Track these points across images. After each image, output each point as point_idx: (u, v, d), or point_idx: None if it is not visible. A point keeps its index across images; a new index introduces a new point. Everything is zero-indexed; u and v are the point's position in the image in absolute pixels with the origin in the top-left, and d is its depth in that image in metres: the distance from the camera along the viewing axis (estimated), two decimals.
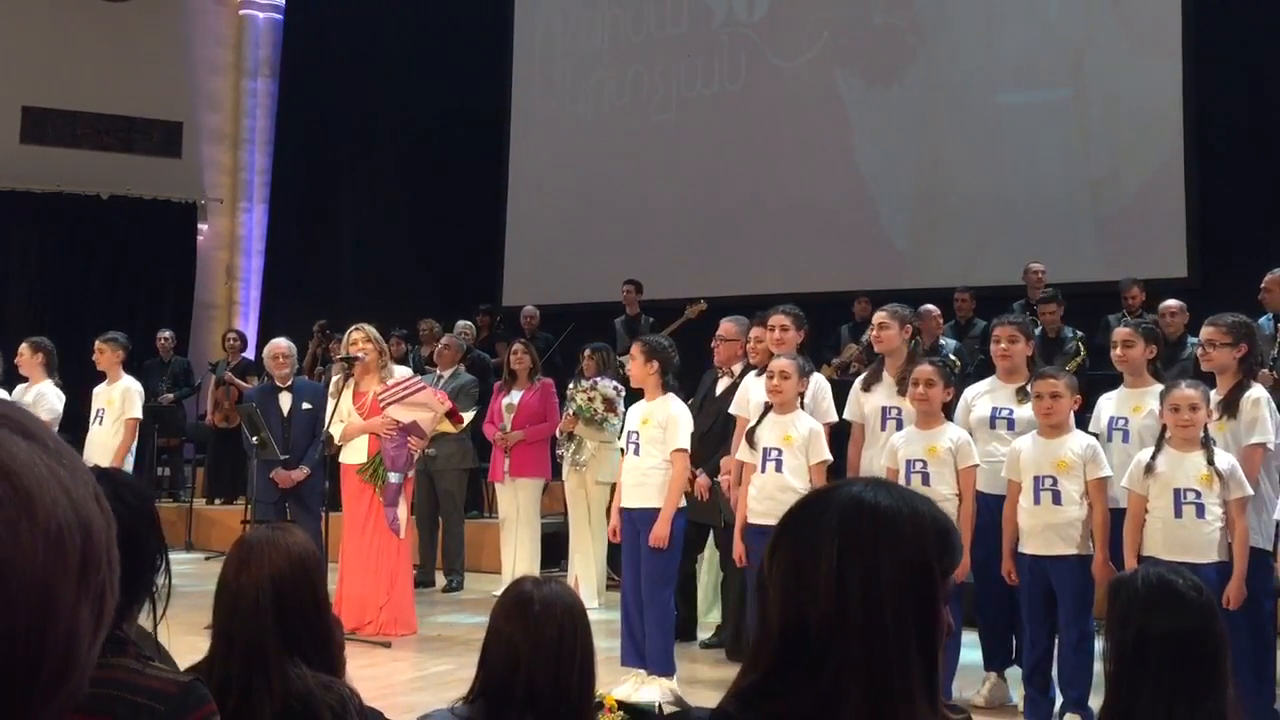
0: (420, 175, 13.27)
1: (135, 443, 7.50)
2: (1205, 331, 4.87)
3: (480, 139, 13.17)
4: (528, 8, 13.17)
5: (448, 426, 6.74)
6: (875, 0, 11.24)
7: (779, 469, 5.13)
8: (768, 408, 5.24)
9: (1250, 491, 4.43)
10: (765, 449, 5.17)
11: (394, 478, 6.39)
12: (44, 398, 7.26)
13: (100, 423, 7.39)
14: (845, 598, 1.22)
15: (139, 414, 7.46)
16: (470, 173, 13.14)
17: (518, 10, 13.17)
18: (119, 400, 7.37)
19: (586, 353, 7.75)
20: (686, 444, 5.28)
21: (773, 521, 5.59)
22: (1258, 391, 4.70)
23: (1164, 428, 4.53)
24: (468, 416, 7.28)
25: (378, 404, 6.38)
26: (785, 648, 1.24)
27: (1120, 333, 5.22)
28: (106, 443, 7.29)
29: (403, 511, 6.46)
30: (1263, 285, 7.37)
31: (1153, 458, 4.47)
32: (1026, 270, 9.15)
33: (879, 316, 5.63)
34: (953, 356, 7.67)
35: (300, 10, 13.77)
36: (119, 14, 13.36)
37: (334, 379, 6.80)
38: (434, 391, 6.70)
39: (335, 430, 6.45)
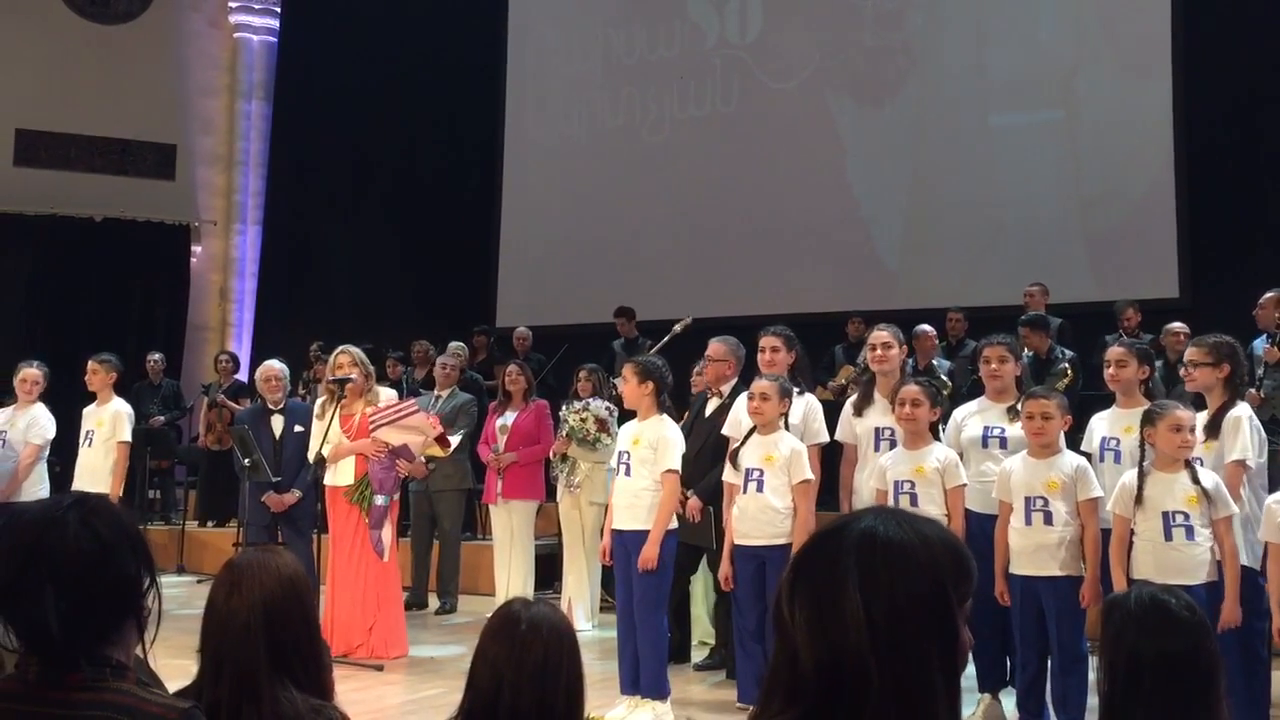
0: (413, 197, 13.28)
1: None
2: (1188, 352, 4.88)
3: (473, 160, 13.20)
4: (520, 30, 13.21)
5: (436, 450, 6.72)
6: (867, 22, 11.30)
7: (760, 489, 5.13)
8: (753, 429, 5.24)
9: (1235, 510, 4.42)
10: (747, 469, 5.17)
11: (380, 500, 6.37)
12: (37, 422, 7.21)
13: (90, 444, 7.31)
14: (874, 636, 1.25)
15: (129, 437, 7.40)
16: (463, 194, 13.17)
17: (510, 33, 13.22)
18: (109, 423, 7.30)
19: (582, 373, 7.75)
20: (677, 465, 5.27)
21: (755, 542, 5.56)
22: (1240, 410, 4.70)
23: (1143, 449, 4.49)
24: (455, 440, 7.24)
25: (367, 426, 6.35)
26: (823, 686, 1.26)
27: (1114, 352, 5.21)
28: (96, 465, 7.24)
29: (387, 534, 6.43)
30: (1259, 303, 7.36)
31: (1140, 484, 4.44)
32: (1026, 291, 9.07)
33: (882, 337, 5.60)
34: (944, 377, 7.67)
35: (294, 33, 13.79)
36: (113, 36, 13.39)
37: (319, 401, 6.77)
38: (426, 415, 6.68)
39: (325, 452, 6.42)
